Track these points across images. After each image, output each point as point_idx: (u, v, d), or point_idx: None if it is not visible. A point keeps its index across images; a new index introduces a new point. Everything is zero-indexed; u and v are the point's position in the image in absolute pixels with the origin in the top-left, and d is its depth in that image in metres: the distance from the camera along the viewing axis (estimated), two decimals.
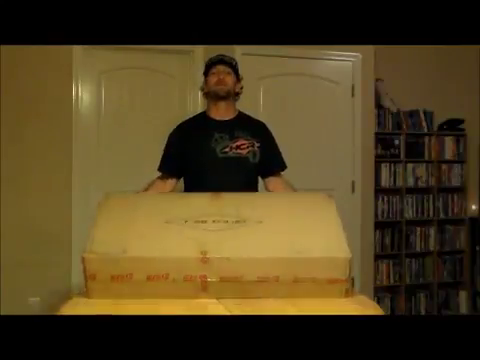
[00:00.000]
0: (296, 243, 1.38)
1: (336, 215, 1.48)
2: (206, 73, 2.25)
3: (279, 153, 2.27)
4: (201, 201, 1.52)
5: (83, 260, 1.34)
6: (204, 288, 1.35)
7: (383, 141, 3.92)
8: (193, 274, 1.34)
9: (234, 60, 2.27)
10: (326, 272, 1.35)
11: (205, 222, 1.43)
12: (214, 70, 2.20)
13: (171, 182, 2.20)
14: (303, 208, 1.52)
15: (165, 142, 2.25)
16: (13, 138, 3.13)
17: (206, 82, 2.24)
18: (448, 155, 4.09)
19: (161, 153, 2.24)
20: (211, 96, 2.21)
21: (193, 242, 1.37)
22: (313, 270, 1.36)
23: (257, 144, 2.17)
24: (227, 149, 2.12)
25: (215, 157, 2.11)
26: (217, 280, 1.34)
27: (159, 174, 2.21)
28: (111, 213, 1.47)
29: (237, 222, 1.43)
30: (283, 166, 2.26)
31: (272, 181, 2.24)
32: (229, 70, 2.20)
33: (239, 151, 2.14)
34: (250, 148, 2.15)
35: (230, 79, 2.19)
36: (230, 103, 2.22)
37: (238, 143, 2.14)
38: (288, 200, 1.62)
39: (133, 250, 1.35)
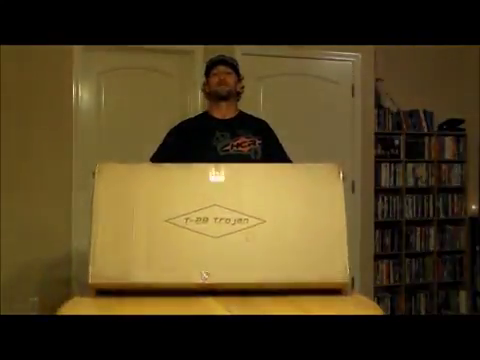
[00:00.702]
0: (298, 263, 1.39)
1: (342, 206, 1.44)
2: (207, 74, 2.25)
3: (282, 150, 2.25)
4: (202, 182, 1.45)
5: (89, 286, 1.37)
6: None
7: (383, 141, 3.92)
8: (195, 289, 1.39)
9: (235, 60, 2.27)
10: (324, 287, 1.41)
11: (206, 221, 1.40)
12: (215, 70, 2.20)
13: None
14: (308, 196, 1.46)
15: (161, 141, 2.24)
16: (13, 138, 3.13)
17: (207, 82, 2.25)
18: (448, 155, 4.09)
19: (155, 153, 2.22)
20: (212, 96, 2.22)
21: (195, 258, 1.38)
22: (312, 287, 1.40)
23: (259, 141, 2.17)
24: (228, 147, 2.13)
25: (216, 155, 2.11)
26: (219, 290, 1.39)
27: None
28: (109, 211, 1.42)
29: (239, 221, 1.40)
30: (288, 161, 2.23)
31: None
32: (230, 70, 2.21)
33: (240, 149, 2.14)
34: (251, 146, 2.15)
35: (231, 79, 2.20)
36: (231, 103, 2.22)
37: (239, 141, 2.15)
38: (293, 183, 1.49)
39: (137, 274, 1.36)
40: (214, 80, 2.19)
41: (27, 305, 3.07)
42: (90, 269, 1.36)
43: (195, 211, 1.40)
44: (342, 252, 1.40)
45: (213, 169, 1.45)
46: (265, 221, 1.40)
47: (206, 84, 2.26)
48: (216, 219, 1.40)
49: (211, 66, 2.23)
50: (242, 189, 1.43)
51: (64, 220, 3.19)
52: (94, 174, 1.43)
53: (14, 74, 3.12)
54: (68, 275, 3.17)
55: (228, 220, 1.40)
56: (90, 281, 1.36)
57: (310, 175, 1.49)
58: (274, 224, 1.41)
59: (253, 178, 1.46)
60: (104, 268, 1.36)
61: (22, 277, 3.10)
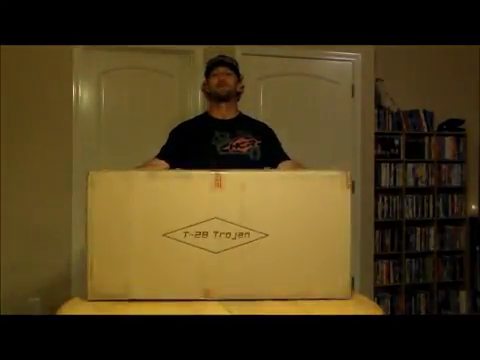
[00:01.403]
0: (299, 278, 1.37)
1: (347, 219, 1.43)
2: (207, 74, 2.25)
3: (281, 149, 2.25)
4: (202, 193, 1.37)
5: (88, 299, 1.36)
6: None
7: (383, 141, 3.92)
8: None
9: (234, 60, 2.28)
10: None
11: (206, 235, 1.35)
12: (215, 71, 2.21)
13: (164, 165, 2.14)
14: (313, 209, 1.41)
15: (166, 139, 2.25)
16: (13, 138, 3.13)
17: (207, 83, 2.25)
18: (448, 155, 4.09)
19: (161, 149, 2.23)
20: (212, 97, 2.23)
21: (196, 274, 1.35)
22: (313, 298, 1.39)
23: (258, 142, 2.17)
24: (227, 147, 2.14)
25: (215, 155, 2.11)
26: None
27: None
28: (105, 225, 1.37)
29: (240, 235, 1.35)
30: (286, 159, 2.22)
31: (280, 168, 2.15)
32: (230, 71, 2.21)
33: (239, 149, 2.15)
34: (250, 146, 2.16)
35: (231, 80, 2.20)
36: (231, 103, 2.23)
37: (238, 141, 2.16)
38: (298, 193, 1.42)
39: (135, 291, 1.34)
40: (214, 81, 2.20)
41: (27, 305, 3.07)
42: (88, 285, 1.34)
43: (194, 225, 1.35)
44: (345, 267, 1.38)
45: (213, 179, 1.37)
46: (267, 235, 1.35)
47: (206, 84, 2.27)
48: (216, 233, 1.35)
49: (211, 67, 2.23)
50: (244, 201, 1.36)
51: (64, 220, 3.19)
52: (87, 184, 1.36)
53: (14, 74, 3.12)
54: (68, 275, 3.17)
55: (229, 234, 1.35)
56: (89, 298, 1.34)
57: (315, 186, 1.43)
58: (276, 238, 1.36)
59: (255, 189, 1.38)
60: (102, 285, 1.34)
61: (22, 277, 3.10)
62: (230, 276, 1.35)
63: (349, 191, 1.42)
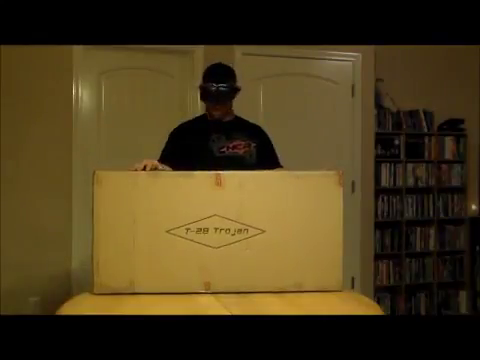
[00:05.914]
0: (295, 272, 1.45)
1: (339, 216, 1.47)
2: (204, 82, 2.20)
3: (275, 155, 2.27)
4: (203, 191, 1.46)
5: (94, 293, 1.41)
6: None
7: (383, 141, 3.92)
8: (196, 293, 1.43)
9: (233, 78, 2.19)
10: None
11: (207, 231, 1.42)
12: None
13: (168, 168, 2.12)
14: (308, 207, 1.48)
15: (166, 140, 2.24)
16: (13, 138, 3.13)
17: (203, 97, 2.20)
18: (448, 155, 4.09)
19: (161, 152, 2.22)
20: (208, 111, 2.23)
21: (196, 268, 1.42)
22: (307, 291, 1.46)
23: (254, 145, 2.19)
24: (224, 149, 2.15)
25: (212, 156, 2.12)
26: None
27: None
28: (111, 222, 1.44)
29: (239, 231, 1.42)
30: (279, 166, 2.25)
31: None
32: (227, 95, 2.16)
33: (236, 151, 2.16)
34: (246, 148, 2.18)
35: (227, 103, 2.17)
36: (228, 106, 2.23)
37: (235, 143, 2.18)
38: (293, 192, 1.51)
39: (139, 285, 1.41)
40: (210, 102, 2.17)
41: (27, 305, 3.07)
42: (95, 280, 1.40)
43: (196, 221, 1.43)
44: (337, 262, 1.45)
45: (214, 178, 1.46)
46: (265, 231, 1.43)
47: (202, 93, 2.21)
48: (216, 229, 1.43)
49: (208, 95, 2.16)
50: (242, 199, 1.45)
51: (64, 220, 3.19)
52: (93, 183, 1.44)
53: (14, 74, 3.12)
54: (68, 275, 3.17)
55: (228, 230, 1.43)
56: (95, 291, 1.40)
57: (310, 184, 1.50)
58: (273, 234, 1.44)
59: (253, 187, 1.48)
60: (108, 279, 1.41)
61: (22, 277, 3.10)
62: (229, 270, 1.42)
63: (341, 189, 1.50)
